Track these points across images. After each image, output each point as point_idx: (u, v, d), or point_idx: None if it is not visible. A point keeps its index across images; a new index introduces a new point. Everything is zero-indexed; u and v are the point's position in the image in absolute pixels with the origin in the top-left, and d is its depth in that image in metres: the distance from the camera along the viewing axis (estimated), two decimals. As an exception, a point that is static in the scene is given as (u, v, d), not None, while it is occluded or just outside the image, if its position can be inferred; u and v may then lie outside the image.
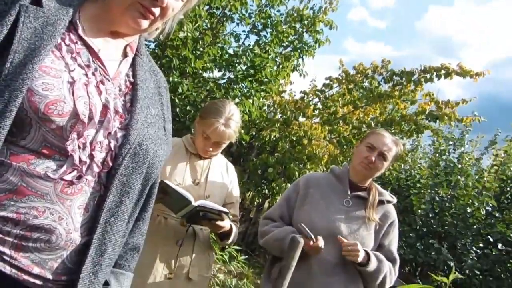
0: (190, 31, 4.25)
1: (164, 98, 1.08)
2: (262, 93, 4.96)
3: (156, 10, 0.92)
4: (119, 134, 0.89)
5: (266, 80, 4.87)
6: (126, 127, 0.90)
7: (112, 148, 0.88)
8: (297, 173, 4.75)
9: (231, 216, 1.92)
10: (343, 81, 5.71)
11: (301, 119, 5.36)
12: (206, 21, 4.79)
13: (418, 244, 5.45)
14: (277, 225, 2.04)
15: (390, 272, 1.96)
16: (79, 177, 0.84)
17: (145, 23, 0.93)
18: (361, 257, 1.86)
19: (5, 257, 0.79)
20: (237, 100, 4.65)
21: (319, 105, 5.84)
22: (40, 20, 0.83)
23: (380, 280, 1.92)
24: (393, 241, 2.03)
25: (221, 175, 2.01)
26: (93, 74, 0.89)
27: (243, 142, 5.09)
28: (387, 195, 2.11)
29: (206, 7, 4.66)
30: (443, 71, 5.00)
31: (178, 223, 1.85)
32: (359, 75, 5.69)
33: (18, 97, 0.76)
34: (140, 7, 0.90)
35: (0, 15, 0.80)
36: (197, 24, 4.44)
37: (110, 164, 0.88)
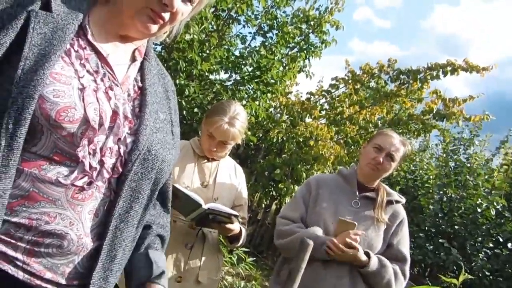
0: (196, 33, 4.26)
1: (172, 102, 1.08)
2: (268, 94, 4.96)
3: (166, 15, 0.92)
4: (129, 140, 0.89)
5: (272, 81, 4.87)
6: (135, 132, 0.90)
7: (122, 154, 0.88)
8: (304, 174, 4.74)
9: (240, 219, 1.91)
10: (350, 81, 5.69)
11: (307, 120, 5.36)
12: (212, 23, 4.80)
13: (427, 245, 5.41)
14: (300, 225, 1.99)
15: (397, 276, 1.92)
16: (89, 183, 0.84)
17: (154, 28, 0.93)
18: (361, 256, 1.86)
19: (18, 263, 0.79)
20: (243, 102, 4.66)
21: (326, 106, 5.83)
22: (50, 26, 0.83)
23: (383, 284, 1.89)
24: (402, 240, 2.01)
25: (230, 177, 2.01)
26: (102, 80, 0.89)
27: (250, 144, 5.09)
28: (396, 195, 2.10)
29: (212, 9, 4.67)
30: (449, 68, 4.96)
31: (187, 226, 1.85)
32: (365, 75, 5.67)
33: (31, 104, 0.76)
34: (150, 12, 0.90)
35: (7, 18, 0.80)
36: (203, 27, 4.46)
37: (120, 169, 0.88)
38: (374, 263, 1.87)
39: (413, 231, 5.41)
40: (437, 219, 5.60)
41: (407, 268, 1.97)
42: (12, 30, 0.79)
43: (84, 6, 0.91)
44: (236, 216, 1.79)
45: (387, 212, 2.02)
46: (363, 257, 1.87)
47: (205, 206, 1.68)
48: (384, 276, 1.89)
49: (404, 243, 2.01)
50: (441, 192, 5.72)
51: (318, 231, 1.92)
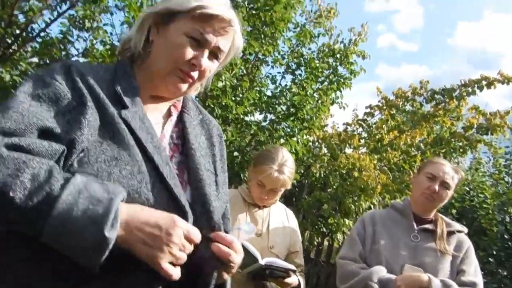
0: (228, 79, 4.38)
1: (216, 148, 1.08)
2: (305, 130, 4.96)
3: (195, 74, 0.97)
4: None
5: (307, 117, 4.88)
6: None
7: None
8: (352, 206, 4.63)
9: (298, 272, 1.85)
10: (384, 107, 5.62)
11: (348, 150, 5.29)
12: (242, 67, 4.92)
13: (499, 270, 4.98)
14: (363, 266, 1.91)
15: None
16: None
17: (184, 87, 0.98)
18: (423, 276, 1.78)
19: None
20: (282, 140, 4.67)
21: (364, 134, 5.75)
22: (136, 118, 0.90)
23: None
24: (470, 267, 1.89)
25: (282, 223, 1.99)
26: None
27: (294, 181, 5.04)
28: (457, 225, 2.03)
29: (240, 55, 4.80)
30: (484, 82, 4.84)
31: (246, 279, 1.81)
32: (399, 100, 5.60)
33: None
34: (179, 72, 0.96)
35: (71, 106, 0.86)
36: (234, 72, 4.58)
37: None
38: (436, 283, 1.76)
39: (481, 257, 4.99)
40: (504, 242, 5.19)
41: None
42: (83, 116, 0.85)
43: (134, 84, 0.97)
44: (294, 271, 1.75)
45: (450, 243, 1.94)
46: (425, 277, 1.77)
47: (262, 262, 1.65)
48: None
49: (472, 269, 1.90)
50: (501, 212, 5.33)
51: (382, 270, 1.84)
